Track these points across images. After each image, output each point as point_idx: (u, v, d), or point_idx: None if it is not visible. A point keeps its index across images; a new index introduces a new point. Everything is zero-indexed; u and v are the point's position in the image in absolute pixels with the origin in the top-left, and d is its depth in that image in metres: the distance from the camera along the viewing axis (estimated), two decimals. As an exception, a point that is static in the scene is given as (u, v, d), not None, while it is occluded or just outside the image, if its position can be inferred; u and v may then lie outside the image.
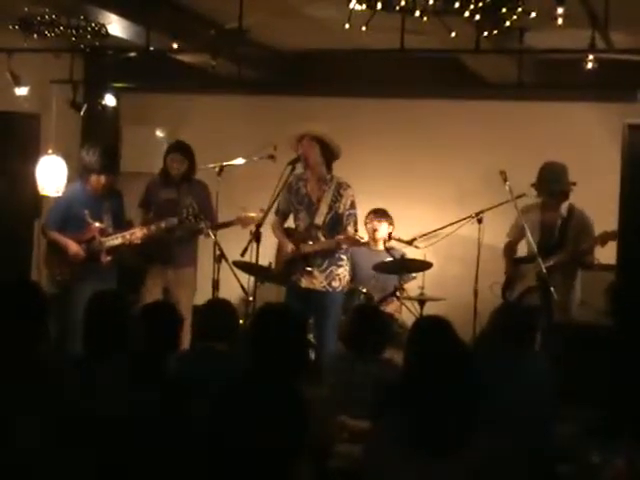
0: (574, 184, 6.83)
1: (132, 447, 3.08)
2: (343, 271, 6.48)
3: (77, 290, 6.72)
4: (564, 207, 6.84)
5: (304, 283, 6.43)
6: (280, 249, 6.70)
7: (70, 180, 7.45)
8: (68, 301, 6.75)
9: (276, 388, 2.26)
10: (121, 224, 7.12)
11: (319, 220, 6.42)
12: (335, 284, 6.43)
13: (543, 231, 6.85)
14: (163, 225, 6.89)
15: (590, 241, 6.73)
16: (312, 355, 6.46)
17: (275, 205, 6.52)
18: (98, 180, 7.03)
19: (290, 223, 6.72)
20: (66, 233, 7.01)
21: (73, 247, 6.94)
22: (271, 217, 6.57)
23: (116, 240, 6.94)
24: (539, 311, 5.99)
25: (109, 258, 6.94)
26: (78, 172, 7.23)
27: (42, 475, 2.26)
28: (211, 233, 6.77)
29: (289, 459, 2.18)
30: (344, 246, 6.40)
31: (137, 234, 6.93)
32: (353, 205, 6.45)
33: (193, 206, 6.84)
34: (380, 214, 7.76)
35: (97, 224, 6.96)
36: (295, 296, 6.46)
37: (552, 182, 6.75)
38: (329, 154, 6.47)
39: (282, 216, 6.64)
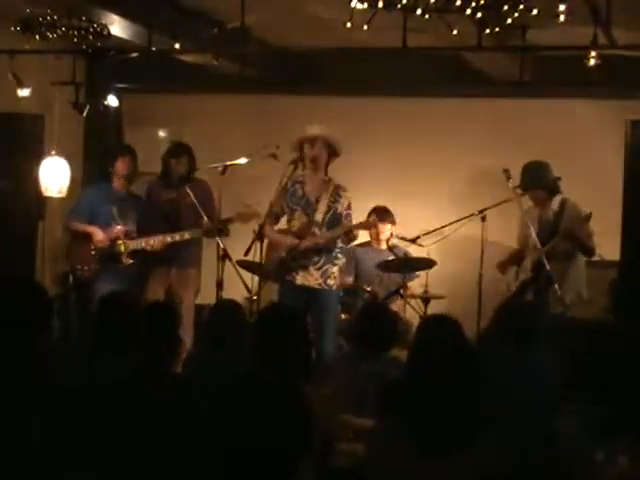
0: (559, 179, 6.83)
1: (133, 447, 3.09)
2: (337, 270, 6.57)
3: (95, 290, 6.78)
4: (556, 201, 6.85)
5: (299, 280, 6.43)
6: (273, 248, 6.64)
7: (74, 181, 7.46)
8: (87, 299, 6.87)
9: (279, 388, 2.26)
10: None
11: (318, 217, 6.47)
12: (330, 282, 6.47)
13: (540, 225, 6.87)
14: (187, 235, 6.88)
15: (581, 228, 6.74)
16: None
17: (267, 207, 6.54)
18: (123, 163, 7.05)
19: (281, 225, 6.71)
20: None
21: (99, 234, 6.96)
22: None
23: (139, 244, 6.94)
24: (541, 308, 5.99)
25: (130, 261, 6.95)
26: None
27: (45, 474, 2.27)
28: (219, 239, 6.73)
29: (292, 460, 2.18)
30: (340, 243, 6.53)
31: (160, 240, 6.91)
32: (350, 206, 6.60)
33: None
34: (383, 215, 7.70)
35: (122, 226, 6.96)
36: (290, 294, 6.45)
37: (531, 182, 6.78)
38: (333, 157, 6.58)
39: (274, 219, 6.62)
